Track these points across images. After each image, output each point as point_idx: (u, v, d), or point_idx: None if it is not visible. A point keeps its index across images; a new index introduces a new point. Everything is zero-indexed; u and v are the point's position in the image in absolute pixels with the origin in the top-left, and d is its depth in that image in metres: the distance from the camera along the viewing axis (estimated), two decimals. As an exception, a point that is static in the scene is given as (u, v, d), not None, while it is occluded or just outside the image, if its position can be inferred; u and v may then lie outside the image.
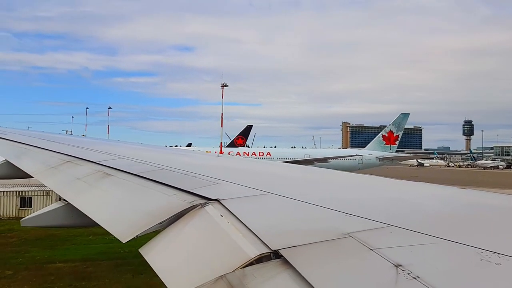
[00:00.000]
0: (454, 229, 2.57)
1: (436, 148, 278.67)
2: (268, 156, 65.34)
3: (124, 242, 3.00)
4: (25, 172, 6.04)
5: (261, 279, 2.03)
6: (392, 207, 3.31)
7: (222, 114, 74.74)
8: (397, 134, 74.80)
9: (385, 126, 76.53)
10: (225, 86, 75.79)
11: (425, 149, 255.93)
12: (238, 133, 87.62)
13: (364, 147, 78.46)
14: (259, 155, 64.79)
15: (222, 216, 2.85)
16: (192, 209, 3.10)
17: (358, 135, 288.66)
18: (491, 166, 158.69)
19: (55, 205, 4.73)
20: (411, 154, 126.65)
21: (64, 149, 6.75)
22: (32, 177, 5.83)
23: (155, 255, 2.79)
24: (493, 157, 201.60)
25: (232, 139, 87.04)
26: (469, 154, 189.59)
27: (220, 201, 3.14)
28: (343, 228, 2.44)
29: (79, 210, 3.96)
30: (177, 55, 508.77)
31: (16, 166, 6.48)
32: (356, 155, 69.99)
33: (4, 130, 12.89)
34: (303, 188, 4.21)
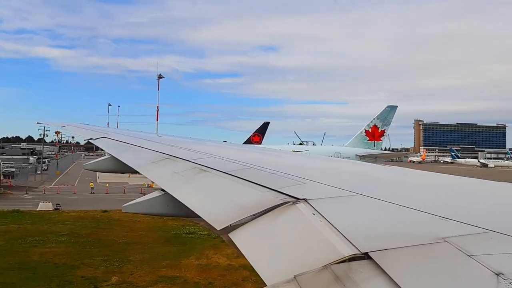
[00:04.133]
0: None
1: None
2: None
3: (218, 229, 3.13)
4: (129, 166, 6.66)
5: (367, 275, 2.02)
6: (492, 211, 3.10)
7: (158, 107, 76.01)
8: (383, 129, 65.08)
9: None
10: (161, 77, 78.76)
11: (509, 149, 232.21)
12: (255, 130, 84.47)
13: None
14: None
15: (314, 214, 2.88)
16: (283, 205, 3.18)
17: (433, 133, 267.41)
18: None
19: (155, 193, 4.93)
20: (395, 152, 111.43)
21: (159, 147, 7.29)
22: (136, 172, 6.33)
23: (245, 241, 2.88)
24: None
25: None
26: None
27: (308, 200, 3.15)
28: (438, 233, 2.35)
29: (177, 201, 4.24)
30: (262, 55, 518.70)
31: (121, 161, 7.15)
32: (337, 152, 62.09)
33: (107, 130, 14.33)
34: (393, 189, 4.08)
